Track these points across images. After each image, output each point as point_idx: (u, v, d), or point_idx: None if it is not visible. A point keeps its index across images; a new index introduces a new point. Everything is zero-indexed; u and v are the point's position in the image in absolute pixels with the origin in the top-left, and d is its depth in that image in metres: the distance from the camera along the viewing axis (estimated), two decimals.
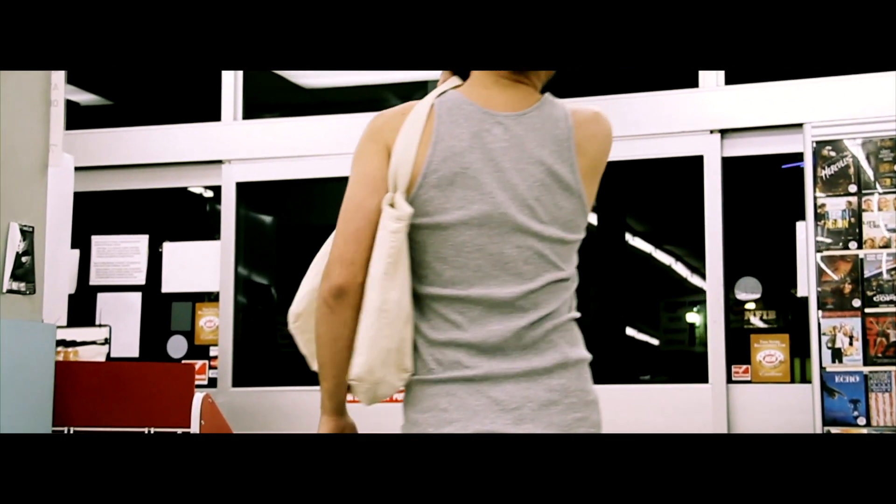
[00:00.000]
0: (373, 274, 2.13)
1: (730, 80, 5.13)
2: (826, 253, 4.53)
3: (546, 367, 2.15)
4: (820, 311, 4.50)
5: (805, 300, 4.67)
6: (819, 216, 4.53)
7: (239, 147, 5.76)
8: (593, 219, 5.56)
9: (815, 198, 4.53)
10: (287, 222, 6.16)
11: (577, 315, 2.25)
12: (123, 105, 6.50)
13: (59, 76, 3.90)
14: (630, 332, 5.54)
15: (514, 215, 2.15)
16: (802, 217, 4.72)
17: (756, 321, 5.03)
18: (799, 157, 4.80)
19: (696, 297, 5.28)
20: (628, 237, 5.69)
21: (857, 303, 4.45)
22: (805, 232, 4.65)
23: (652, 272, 5.66)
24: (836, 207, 4.51)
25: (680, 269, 5.62)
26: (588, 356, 2.24)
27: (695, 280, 5.33)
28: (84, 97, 6.50)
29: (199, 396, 4.37)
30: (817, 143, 4.52)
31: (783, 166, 4.97)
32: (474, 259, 2.15)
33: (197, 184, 5.91)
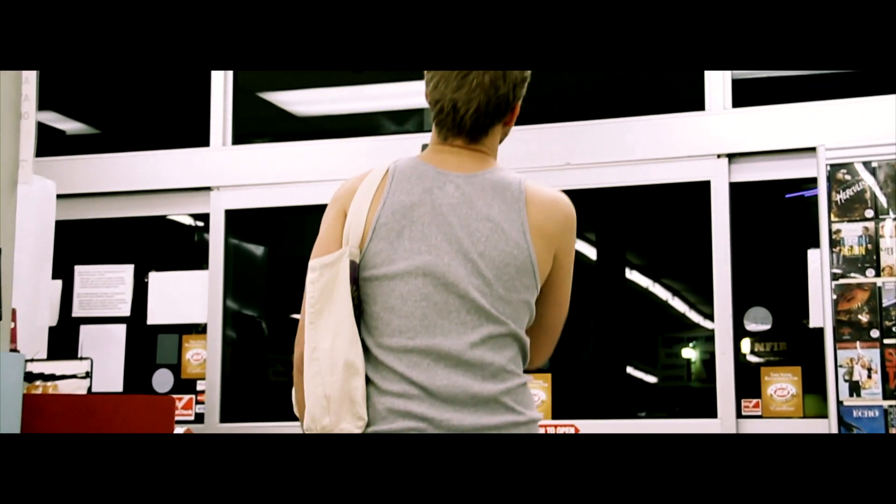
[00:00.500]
0: (304, 325, 2.26)
1: (737, 103, 4.94)
2: (842, 281, 4.33)
3: (496, 424, 2.20)
4: (836, 343, 4.29)
5: (818, 331, 4.47)
6: (834, 243, 4.33)
7: (228, 173, 5.56)
8: (592, 252, 5.38)
9: (829, 223, 4.33)
10: (278, 252, 5.95)
11: (527, 379, 2.29)
12: (111, 133, 6.30)
13: (30, 87, 3.70)
14: (630, 369, 5.33)
15: (458, 268, 2.21)
16: (814, 244, 4.53)
17: (766, 353, 4.82)
18: (808, 183, 4.63)
19: (700, 333, 5.09)
20: (628, 269, 5.50)
21: (875, 333, 4.25)
22: (819, 259, 4.45)
23: (651, 307, 5.48)
24: (851, 233, 4.31)
25: (680, 303, 5.43)
26: (539, 416, 2.29)
27: (695, 315, 5.15)
28: (70, 125, 6.31)
29: (179, 431, 4.14)
30: (832, 166, 4.33)
31: (787, 196, 4.78)
32: (420, 308, 2.21)
33: (184, 211, 5.71)
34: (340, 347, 2.19)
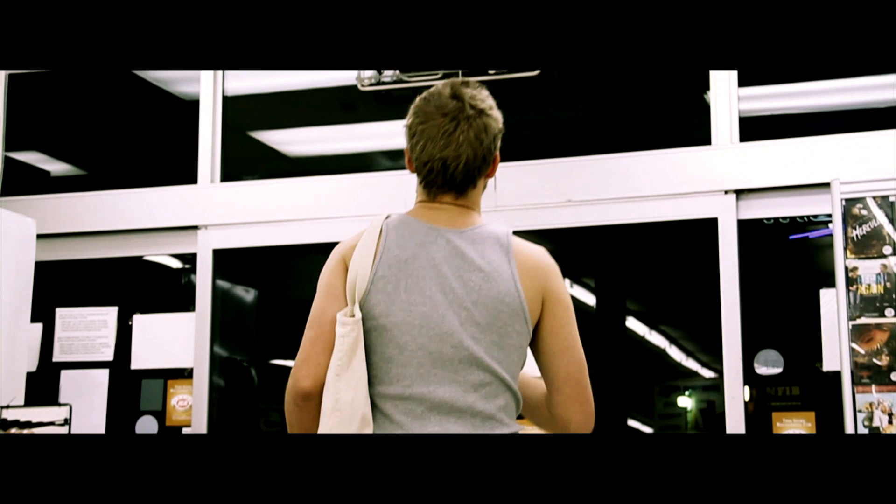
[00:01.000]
0: (328, 376, 2.31)
1: (745, 137, 4.76)
2: (859, 321, 4.12)
3: None
4: (854, 386, 4.07)
5: (833, 375, 4.26)
6: (850, 281, 4.13)
7: (216, 212, 5.36)
8: (591, 299, 5.18)
9: (845, 261, 4.13)
10: (269, 295, 5.73)
11: (517, 428, 2.35)
12: (97, 174, 6.08)
13: None
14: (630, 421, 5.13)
15: (452, 318, 2.31)
16: (827, 283, 4.35)
17: (778, 398, 4.60)
18: (813, 224, 4.52)
19: (701, 381, 4.89)
20: (629, 317, 5.30)
21: None
22: (832, 299, 4.25)
23: (647, 355, 5.29)
24: (869, 271, 4.12)
25: (684, 349, 5.24)
26: None
27: (700, 360, 4.96)
28: (56, 166, 6.11)
29: None
30: (847, 201, 4.14)
31: (791, 237, 4.59)
32: (416, 357, 2.30)
33: (171, 251, 5.51)
34: (360, 401, 2.27)
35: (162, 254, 5.55)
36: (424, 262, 2.34)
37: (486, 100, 2.40)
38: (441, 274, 2.33)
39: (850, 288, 4.12)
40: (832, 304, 4.33)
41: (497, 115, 2.41)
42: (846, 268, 4.12)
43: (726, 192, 4.69)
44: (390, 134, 5.51)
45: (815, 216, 4.59)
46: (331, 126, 5.73)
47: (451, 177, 2.37)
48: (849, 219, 4.17)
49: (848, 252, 4.14)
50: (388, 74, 5.30)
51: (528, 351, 2.45)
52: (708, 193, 4.72)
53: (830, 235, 4.36)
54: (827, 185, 4.34)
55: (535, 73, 5.00)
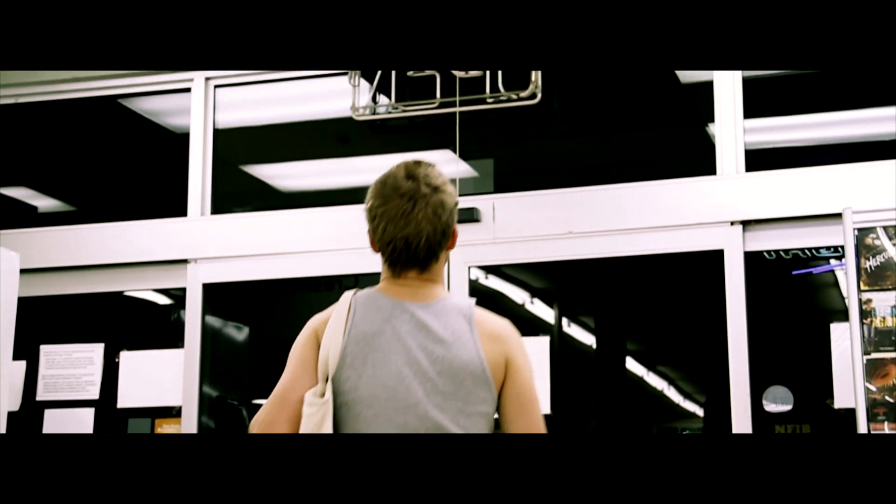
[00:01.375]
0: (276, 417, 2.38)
1: (751, 167, 4.63)
2: (874, 356, 3.96)
3: None
4: (869, 423, 3.91)
5: (846, 412, 4.10)
6: (864, 314, 3.97)
7: (206, 245, 5.21)
8: (590, 339, 5.03)
9: (859, 293, 3.98)
10: (261, 331, 5.57)
11: None
12: (86, 210, 5.92)
13: None
14: None
15: (417, 389, 2.37)
16: (835, 317, 4.24)
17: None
18: (815, 260, 4.40)
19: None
20: (629, 357, 5.16)
21: None
22: (846, 333, 4.11)
23: (646, 396, 5.14)
24: (884, 304, 3.96)
25: (681, 392, 5.09)
26: None
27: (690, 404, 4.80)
28: (44, 202, 5.96)
29: None
30: (860, 230, 3.99)
31: (793, 272, 4.48)
32: (383, 430, 2.35)
33: (159, 286, 5.36)
34: None
35: (150, 288, 5.39)
36: (390, 336, 2.42)
37: (439, 177, 2.47)
38: (406, 347, 2.40)
39: (864, 321, 3.96)
40: (844, 339, 4.19)
41: (452, 189, 2.48)
42: (860, 300, 3.97)
43: (732, 224, 4.55)
44: (388, 166, 5.36)
45: (818, 250, 4.45)
46: (325, 159, 5.61)
47: (413, 254, 2.43)
48: (862, 249, 4.02)
49: (861, 283, 3.99)
50: (384, 104, 5.16)
51: None
52: (713, 225, 4.57)
53: (833, 272, 4.28)
54: (836, 215, 4.20)
55: (535, 101, 4.87)
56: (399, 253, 2.44)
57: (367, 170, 5.36)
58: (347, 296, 2.49)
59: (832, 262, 4.44)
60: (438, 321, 2.43)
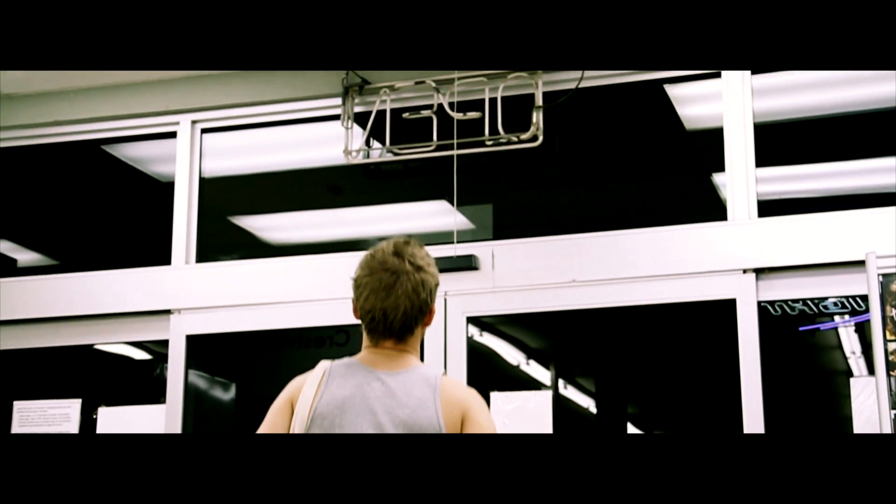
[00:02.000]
0: None
1: (763, 215, 4.40)
2: None
3: None
4: None
5: None
6: (891, 365, 3.71)
7: (189, 295, 4.96)
8: (590, 403, 4.77)
9: (885, 343, 3.72)
10: (248, 389, 5.28)
11: None
12: (69, 263, 5.66)
13: None
14: None
15: None
16: (863, 369, 4.03)
17: None
18: (827, 311, 4.17)
19: None
20: (627, 419, 4.89)
21: None
22: (864, 388, 3.86)
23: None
24: None
25: None
26: None
27: None
28: (26, 255, 5.69)
29: None
30: (884, 276, 3.75)
31: (800, 328, 4.25)
32: None
33: (140, 338, 5.10)
34: None
35: (130, 341, 5.13)
36: (360, 400, 2.56)
37: (425, 257, 2.62)
38: (373, 411, 2.54)
39: (892, 373, 3.70)
40: (866, 393, 3.94)
41: (434, 271, 2.63)
42: (886, 350, 3.71)
43: (745, 272, 4.30)
44: (382, 218, 5.17)
45: (823, 302, 4.22)
46: (316, 210, 5.38)
47: (390, 325, 2.59)
48: (887, 296, 3.77)
49: (888, 333, 3.74)
50: (378, 147, 4.95)
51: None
52: (725, 272, 4.32)
53: (836, 329, 4.16)
54: (854, 263, 4.01)
55: (536, 143, 4.66)
56: (377, 323, 2.60)
57: (360, 221, 5.20)
58: (323, 364, 2.65)
59: (836, 318, 4.24)
60: (404, 389, 2.57)
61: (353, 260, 4.65)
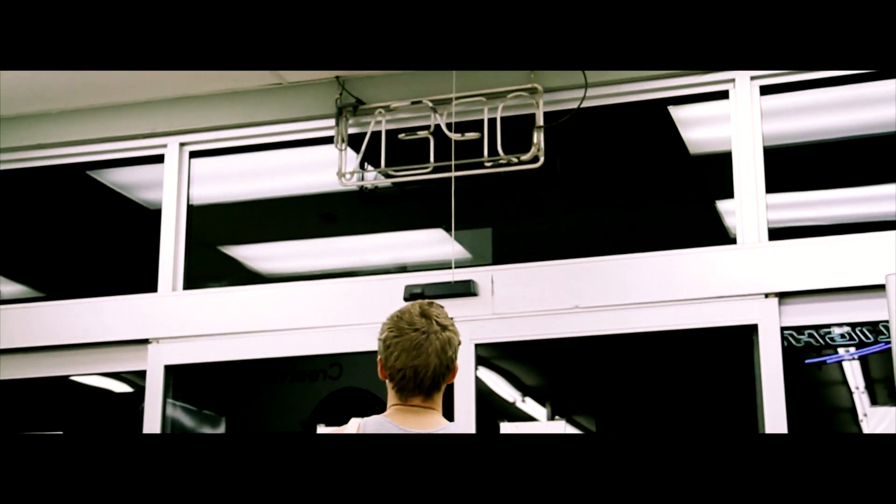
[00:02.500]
0: None
1: (774, 236, 4.21)
2: None
3: None
4: None
5: None
6: None
7: (170, 323, 4.73)
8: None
9: None
10: (239, 423, 5.02)
11: None
12: (56, 295, 5.45)
13: None
14: None
15: None
16: (866, 405, 3.88)
17: None
18: (834, 342, 3.98)
19: None
20: None
21: None
22: (888, 417, 3.62)
23: None
24: None
25: None
26: None
27: None
28: (9, 288, 5.47)
29: None
30: None
31: (807, 361, 4.07)
32: None
33: (115, 368, 4.88)
34: None
35: (107, 371, 4.91)
36: None
37: (447, 317, 2.76)
38: None
39: None
40: (885, 424, 3.71)
41: (456, 329, 2.76)
42: None
43: (767, 296, 4.07)
44: (378, 247, 4.97)
45: (829, 332, 4.02)
46: (309, 240, 5.19)
47: (420, 382, 2.68)
48: None
49: None
50: (373, 169, 4.75)
51: None
52: (745, 297, 4.10)
53: (840, 362, 4.02)
54: (870, 287, 3.79)
55: (537, 164, 4.47)
56: (408, 381, 2.69)
57: (354, 251, 5.00)
58: (355, 421, 2.72)
59: (841, 351, 4.06)
60: None
61: (344, 286, 4.73)
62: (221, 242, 5.21)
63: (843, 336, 4.03)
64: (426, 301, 2.79)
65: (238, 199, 5.21)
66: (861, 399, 4.04)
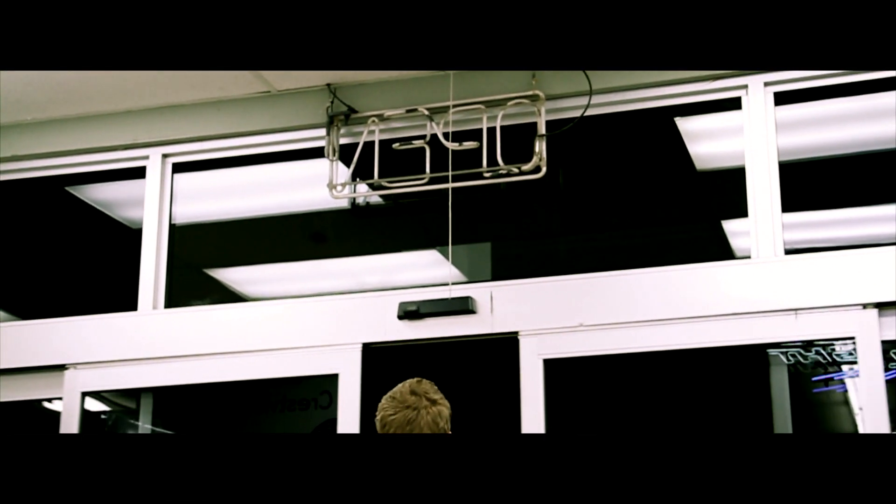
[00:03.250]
0: None
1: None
2: None
3: None
4: None
5: None
6: None
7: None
8: None
9: None
10: None
11: None
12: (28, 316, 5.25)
13: None
14: None
15: None
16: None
17: None
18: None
19: None
20: None
21: None
22: None
23: None
24: None
25: None
26: None
27: None
28: None
29: None
30: None
31: (815, 382, 3.95)
32: None
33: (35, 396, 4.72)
34: None
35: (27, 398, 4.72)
36: None
37: (437, 392, 2.95)
38: None
39: None
40: None
41: (446, 402, 2.95)
42: None
43: (796, 312, 3.87)
44: (370, 270, 4.79)
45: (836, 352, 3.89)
46: (298, 262, 4.98)
47: None
48: None
49: None
50: (367, 181, 4.54)
51: None
52: (768, 314, 3.89)
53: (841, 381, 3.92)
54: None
55: (539, 174, 4.28)
56: None
57: (345, 273, 4.82)
58: None
59: (845, 368, 3.93)
60: None
61: (333, 304, 4.43)
62: (206, 265, 5.02)
63: (851, 353, 3.87)
64: (415, 379, 2.98)
65: (223, 219, 5.02)
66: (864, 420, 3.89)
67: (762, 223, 4.04)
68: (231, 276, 5.06)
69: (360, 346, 4.27)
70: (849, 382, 3.95)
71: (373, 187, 4.54)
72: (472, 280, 4.37)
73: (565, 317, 4.10)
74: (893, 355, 3.75)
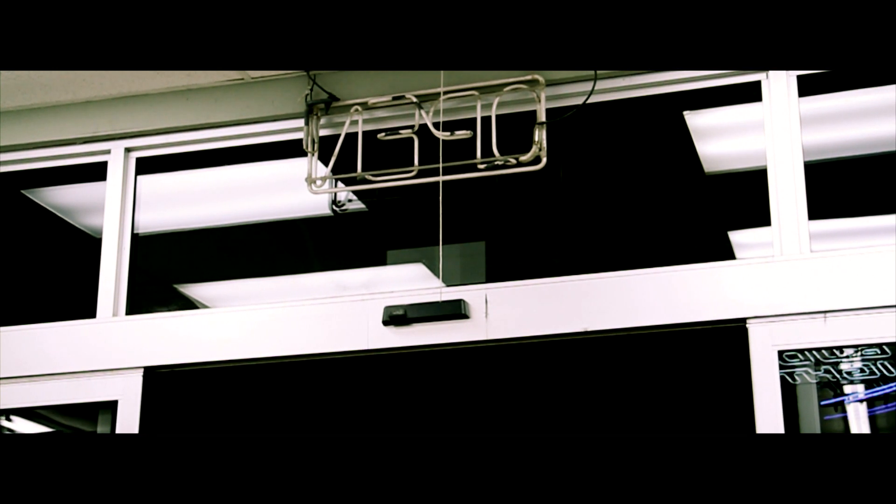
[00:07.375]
0: None
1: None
2: None
3: None
4: None
5: None
6: None
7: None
8: None
9: None
10: None
11: None
12: None
13: None
14: None
15: None
16: None
17: None
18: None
19: None
20: None
21: None
22: None
23: None
24: None
25: None
26: None
27: None
28: None
29: None
30: None
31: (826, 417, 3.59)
32: None
33: None
34: None
35: None
36: None
37: None
38: None
39: None
40: None
41: None
42: None
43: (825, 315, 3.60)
44: (352, 286, 4.47)
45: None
46: (276, 277, 4.67)
47: None
48: None
49: None
50: (349, 174, 4.24)
51: None
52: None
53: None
54: None
55: (539, 166, 4.01)
56: None
57: (326, 287, 4.53)
58: None
59: (848, 390, 3.63)
60: None
61: (313, 310, 4.05)
62: (174, 280, 4.73)
63: (862, 370, 3.60)
64: None
65: (192, 227, 4.73)
66: None
67: (786, 222, 3.77)
68: (201, 292, 4.76)
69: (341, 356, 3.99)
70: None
71: (356, 181, 4.25)
72: (464, 282, 4.11)
73: (567, 322, 3.84)
74: None
